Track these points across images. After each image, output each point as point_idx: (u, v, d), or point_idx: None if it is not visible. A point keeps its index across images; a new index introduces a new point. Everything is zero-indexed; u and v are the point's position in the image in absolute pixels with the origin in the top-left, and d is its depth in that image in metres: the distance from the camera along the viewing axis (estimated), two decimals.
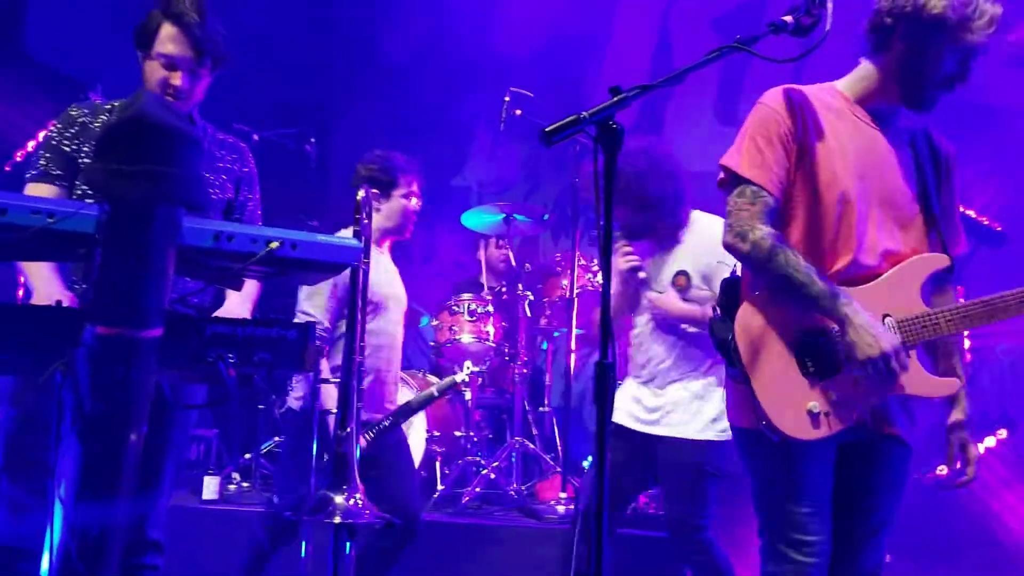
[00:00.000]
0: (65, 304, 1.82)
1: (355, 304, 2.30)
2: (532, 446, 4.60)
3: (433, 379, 5.04)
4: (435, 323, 4.92)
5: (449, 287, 5.77)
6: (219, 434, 4.79)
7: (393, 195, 3.46)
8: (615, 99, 1.99)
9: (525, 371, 4.75)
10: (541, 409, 4.90)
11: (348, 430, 2.28)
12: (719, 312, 2.14)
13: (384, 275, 3.41)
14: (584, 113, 1.97)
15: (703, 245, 2.99)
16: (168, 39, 2.45)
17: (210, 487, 4.19)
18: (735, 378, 2.09)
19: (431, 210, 6.85)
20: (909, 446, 2.16)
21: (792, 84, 2.19)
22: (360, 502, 2.25)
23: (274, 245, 2.00)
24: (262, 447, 4.66)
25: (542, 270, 5.19)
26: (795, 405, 2.00)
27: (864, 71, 2.17)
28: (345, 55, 7.06)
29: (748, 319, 2.06)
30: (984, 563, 4.52)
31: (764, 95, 2.17)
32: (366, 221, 2.38)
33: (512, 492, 4.44)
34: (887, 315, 2.04)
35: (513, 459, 4.56)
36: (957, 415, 2.19)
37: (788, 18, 2.06)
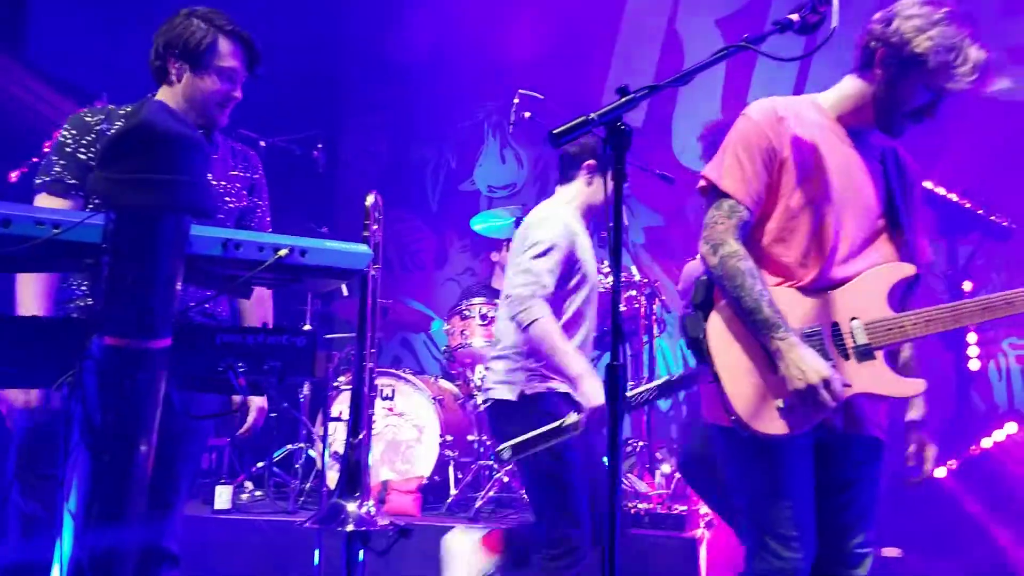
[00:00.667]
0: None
1: (365, 310, 2.29)
2: None
3: (445, 384, 5.04)
4: (446, 327, 4.90)
5: (460, 292, 5.76)
6: (231, 443, 4.78)
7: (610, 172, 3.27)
8: (623, 100, 2.00)
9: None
10: None
11: (360, 437, 2.26)
12: (692, 309, 2.17)
13: (589, 252, 3.18)
14: (592, 114, 1.99)
15: None
16: (229, 54, 2.49)
17: (222, 496, 4.18)
18: (706, 377, 2.12)
19: (441, 215, 6.89)
20: (882, 440, 2.22)
21: (777, 96, 2.23)
22: (372, 510, 2.23)
23: (283, 253, 1.99)
24: (275, 455, 4.65)
25: None
26: (764, 401, 2.05)
27: (848, 88, 2.23)
28: (353, 60, 7.07)
29: (722, 318, 2.11)
30: (993, 558, 4.49)
31: (749, 107, 2.21)
32: (375, 227, 2.36)
33: (525, 495, 4.40)
34: (855, 318, 2.11)
35: None
36: (913, 415, 2.26)
37: (794, 16, 2.09)
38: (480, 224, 5.08)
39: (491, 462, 4.56)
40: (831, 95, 2.25)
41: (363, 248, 2.11)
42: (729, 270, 2.07)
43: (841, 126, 2.22)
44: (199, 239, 1.95)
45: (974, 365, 5.29)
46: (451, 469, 4.58)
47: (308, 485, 4.50)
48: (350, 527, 2.22)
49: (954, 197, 5.65)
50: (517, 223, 4.91)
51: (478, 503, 4.30)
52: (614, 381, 1.84)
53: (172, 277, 1.80)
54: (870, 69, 2.17)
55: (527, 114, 4.50)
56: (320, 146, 4.96)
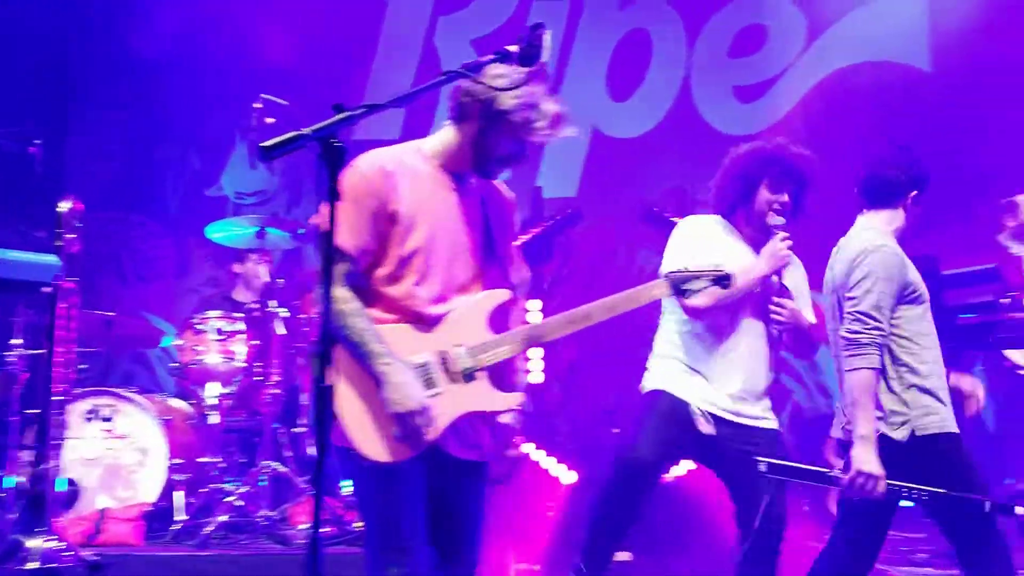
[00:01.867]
0: None
1: (52, 327, 2.09)
2: (283, 469, 4.42)
3: (176, 403, 4.76)
4: (178, 342, 4.62)
5: (201, 303, 5.45)
6: None
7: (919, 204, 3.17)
8: (338, 117, 2.01)
9: (277, 391, 4.56)
10: (295, 429, 4.72)
11: (46, 466, 2.05)
12: (315, 348, 2.33)
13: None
14: (306, 129, 1.97)
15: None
16: None
17: None
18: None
19: (183, 221, 6.51)
20: (483, 463, 2.48)
21: (383, 149, 2.45)
22: (58, 544, 2.03)
23: None
24: None
25: (299, 286, 5.02)
26: (380, 431, 2.29)
27: (447, 137, 2.48)
28: (88, 51, 6.53)
29: (340, 359, 2.30)
30: (722, 557, 4.82)
31: (358, 159, 2.41)
32: (70, 236, 2.16)
33: (261, 519, 4.24)
34: (460, 344, 2.38)
35: (263, 483, 4.37)
36: (506, 419, 2.53)
37: (513, 48, 2.23)
38: (218, 232, 4.83)
39: (224, 485, 4.34)
40: (434, 143, 2.48)
41: (51, 259, 1.93)
42: (336, 314, 2.26)
43: (444, 171, 2.46)
44: None
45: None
46: (179, 494, 4.31)
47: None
48: (32, 565, 2.01)
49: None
50: (260, 233, 4.72)
51: (208, 529, 4.08)
52: (322, 402, 1.91)
53: None
54: (466, 122, 2.42)
55: (270, 120, 4.36)
56: (38, 142, 4.52)
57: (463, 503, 2.44)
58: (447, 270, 2.40)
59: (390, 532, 2.31)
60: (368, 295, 2.36)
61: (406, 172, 2.39)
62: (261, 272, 4.83)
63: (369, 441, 2.29)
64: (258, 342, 4.61)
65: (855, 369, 2.86)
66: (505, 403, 2.42)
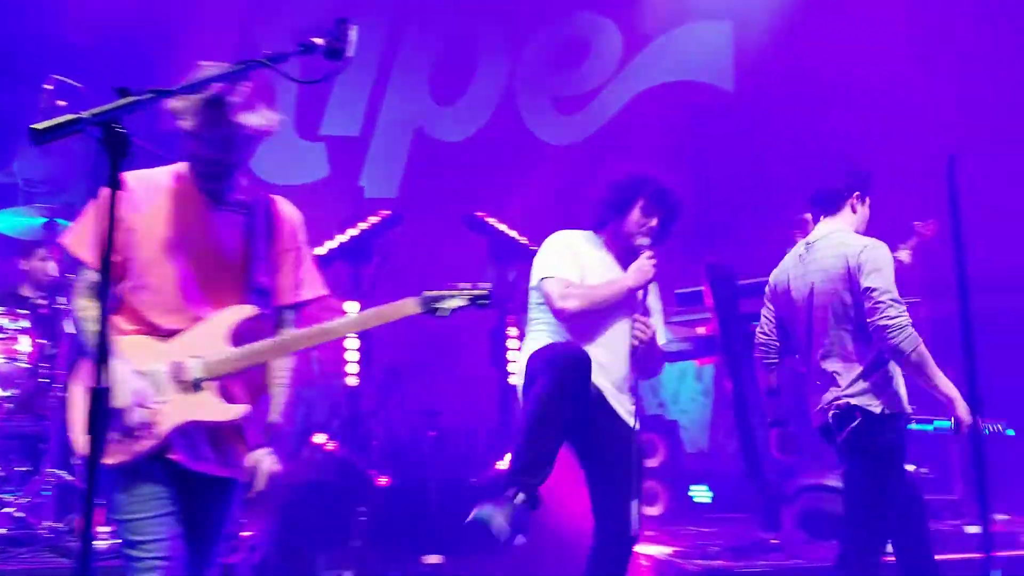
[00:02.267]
0: None
1: None
2: (70, 478, 4.13)
3: None
4: None
5: None
6: None
7: (867, 201, 3.45)
8: (121, 101, 1.92)
9: (66, 394, 4.25)
10: None
11: None
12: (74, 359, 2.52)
13: None
14: (84, 113, 1.89)
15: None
16: None
17: None
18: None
19: None
20: (228, 479, 2.50)
21: (138, 171, 2.46)
22: None
23: None
24: None
25: None
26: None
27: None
28: None
29: (81, 368, 2.43)
30: (532, 555, 4.90)
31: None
32: None
33: (44, 530, 3.95)
34: (197, 356, 2.43)
35: (48, 493, 4.07)
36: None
37: (319, 40, 2.16)
38: (2, 223, 4.46)
39: (2, 495, 4.01)
40: (186, 163, 2.51)
41: None
42: (78, 322, 2.44)
43: (197, 189, 2.49)
44: None
45: (514, 380, 5.78)
46: None
47: None
48: None
49: (506, 229, 6.26)
50: (50, 225, 4.40)
51: None
52: (97, 405, 1.85)
53: None
54: None
55: (62, 103, 4.09)
56: None
57: (200, 518, 2.46)
58: (189, 283, 2.45)
59: (134, 528, 2.35)
60: (117, 306, 2.43)
61: (148, 189, 2.45)
62: (49, 267, 4.49)
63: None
64: (45, 341, 4.30)
65: (915, 349, 3.07)
66: (228, 414, 2.44)
